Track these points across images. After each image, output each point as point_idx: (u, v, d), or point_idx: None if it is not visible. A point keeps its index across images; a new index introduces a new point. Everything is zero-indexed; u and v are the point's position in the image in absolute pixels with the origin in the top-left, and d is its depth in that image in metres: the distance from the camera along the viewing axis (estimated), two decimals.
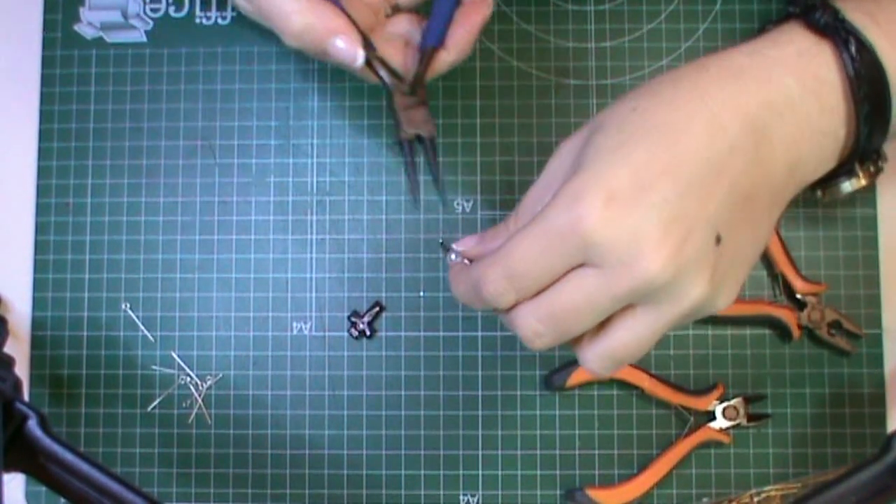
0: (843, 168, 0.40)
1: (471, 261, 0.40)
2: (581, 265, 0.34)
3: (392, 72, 0.44)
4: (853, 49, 0.36)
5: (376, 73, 0.43)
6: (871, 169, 0.41)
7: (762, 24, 0.54)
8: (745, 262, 0.37)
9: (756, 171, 0.35)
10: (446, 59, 0.45)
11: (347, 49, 0.43)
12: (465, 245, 0.41)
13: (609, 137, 0.35)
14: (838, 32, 0.37)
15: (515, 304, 0.36)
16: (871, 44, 0.37)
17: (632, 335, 0.35)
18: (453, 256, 0.41)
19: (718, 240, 0.34)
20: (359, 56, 0.43)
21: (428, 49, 0.43)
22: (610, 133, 0.35)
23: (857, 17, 0.37)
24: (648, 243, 0.33)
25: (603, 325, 0.36)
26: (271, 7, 0.43)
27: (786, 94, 0.36)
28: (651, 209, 0.33)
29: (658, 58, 0.55)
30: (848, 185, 0.42)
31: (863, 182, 0.42)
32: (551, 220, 0.34)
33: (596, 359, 0.36)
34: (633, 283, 0.33)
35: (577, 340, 0.37)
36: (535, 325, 0.35)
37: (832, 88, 0.37)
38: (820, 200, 0.43)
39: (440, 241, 0.42)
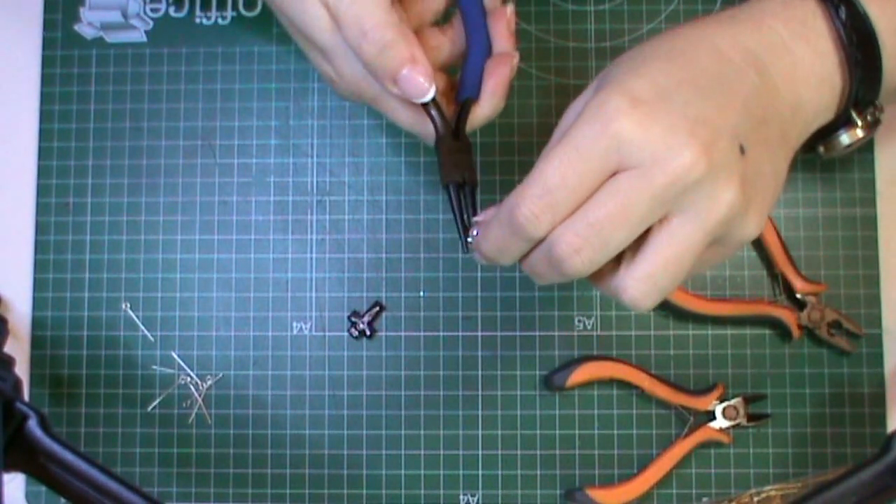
0: (842, 119, 0.42)
1: None
2: (613, 174, 0.34)
3: (443, 115, 0.43)
4: None
5: (430, 115, 0.41)
6: (869, 119, 0.42)
7: None
8: (768, 189, 0.37)
9: (764, 99, 0.37)
10: (481, 113, 0.43)
11: (422, 80, 0.40)
12: (485, 215, 0.39)
13: (621, 66, 0.36)
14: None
15: (550, 229, 0.35)
16: None
17: (671, 250, 0.35)
18: (474, 233, 0.40)
19: (742, 150, 0.35)
20: (431, 90, 0.40)
21: (466, 101, 0.43)
22: (621, 64, 0.37)
23: None
24: (679, 138, 0.33)
25: (639, 246, 0.35)
26: (348, 25, 0.39)
27: (776, 36, 0.38)
28: (675, 109, 0.34)
29: None
30: (846, 138, 0.43)
31: (860, 134, 0.42)
32: (581, 131, 0.34)
33: (637, 283, 0.35)
34: (668, 178, 0.33)
35: (611, 270, 0.36)
36: (573, 239, 0.34)
37: (820, 35, 0.39)
38: (821, 158, 0.44)
39: (458, 229, 0.40)
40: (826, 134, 0.43)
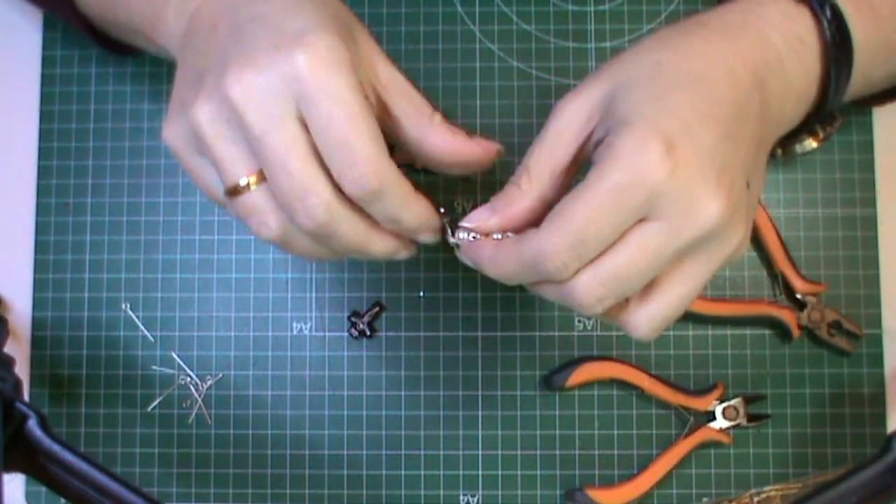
0: (803, 128, 0.42)
1: (486, 236, 0.38)
2: (639, 223, 0.33)
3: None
4: (829, 14, 0.38)
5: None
6: (828, 130, 0.45)
7: None
8: (754, 211, 0.37)
9: (763, 122, 0.37)
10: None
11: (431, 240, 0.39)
12: (477, 219, 0.38)
13: (645, 89, 0.35)
14: None
15: (575, 273, 0.34)
16: (841, 10, 0.38)
17: (682, 289, 0.35)
18: (463, 236, 0.38)
19: (748, 185, 0.35)
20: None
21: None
22: (643, 85, 0.35)
23: None
24: (708, 190, 0.33)
25: (650, 287, 0.35)
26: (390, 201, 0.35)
27: (776, 51, 0.38)
28: (705, 156, 0.33)
29: None
30: (800, 147, 0.47)
31: (814, 145, 0.46)
32: (615, 177, 0.32)
33: (648, 321, 0.36)
34: (697, 231, 0.33)
35: (620, 307, 0.36)
36: (598, 290, 0.34)
37: (811, 50, 0.39)
38: (778, 160, 0.46)
39: (444, 222, 0.38)
40: (785, 139, 0.43)
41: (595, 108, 0.36)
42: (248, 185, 0.35)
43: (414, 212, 0.36)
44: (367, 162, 0.33)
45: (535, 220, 0.36)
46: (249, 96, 0.33)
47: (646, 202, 0.32)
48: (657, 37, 0.38)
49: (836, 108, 0.42)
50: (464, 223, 0.38)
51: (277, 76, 0.33)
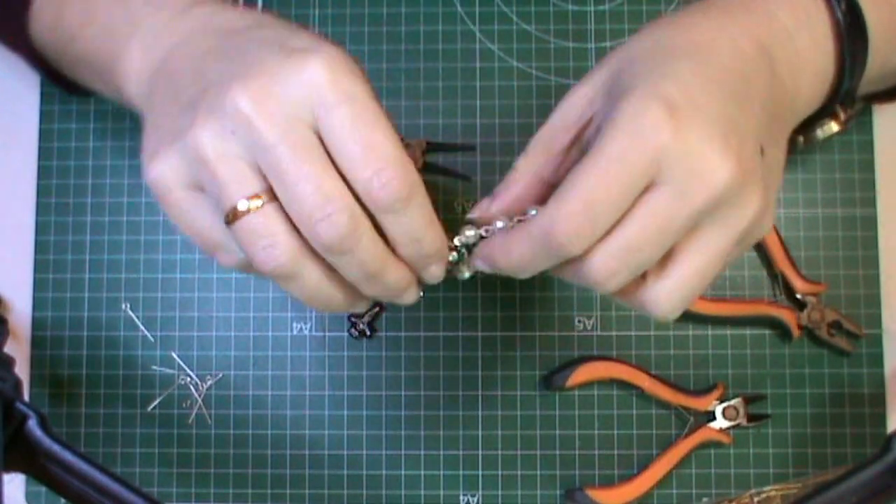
0: (824, 112, 0.42)
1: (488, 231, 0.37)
2: (647, 191, 0.32)
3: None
4: None
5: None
6: (849, 112, 0.45)
7: None
8: (777, 184, 0.37)
9: (775, 94, 0.36)
10: None
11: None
12: (478, 210, 0.37)
13: (644, 63, 0.35)
14: None
15: (587, 248, 0.33)
16: None
17: (700, 259, 0.34)
18: (470, 234, 0.36)
19: (762, 152, 0.34)
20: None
21: None
22: (643, 60, 0.35)
23: None
24: (714, 151, 0.32)
25: (667, 259, 0.34)
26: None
27: (783, 25, 0.38)
28: (708, 117, 0.32)
29: None
30: (821, 132, 0.46)
31: (835, 129, 0.45)
32: (621, 143, 0.32)
33: (668, 296, 0.34)
34: (706, 195, 0.32)
35: (637, 284, 0.35)
36: (610, 263, 0.33)
37: (821, 25, 0.39)
38: (798, 147, 0.46)
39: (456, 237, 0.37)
40: (805, 125, 0.43)
41: (598, 91, 0.36)
42: (255, 205, 0.32)
43: (436, 230, 0.35)
44: (396, 165, 0.32)
45: (537, 201, 0.36)
46: (260, 103, 0.31)
47: (652, 164, 0.32)
48: (659, 20, 0.38)
49: (854, 90, 0.41)
50: (471, 215, 0.37)
51: (291, 82, 0.31)
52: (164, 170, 0.34)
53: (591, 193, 0.32)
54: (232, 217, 0.33)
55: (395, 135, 0.32)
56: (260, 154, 0.32)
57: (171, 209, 0.35)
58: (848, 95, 0.41)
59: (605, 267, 0.33)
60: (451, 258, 0.37)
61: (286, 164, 0.31)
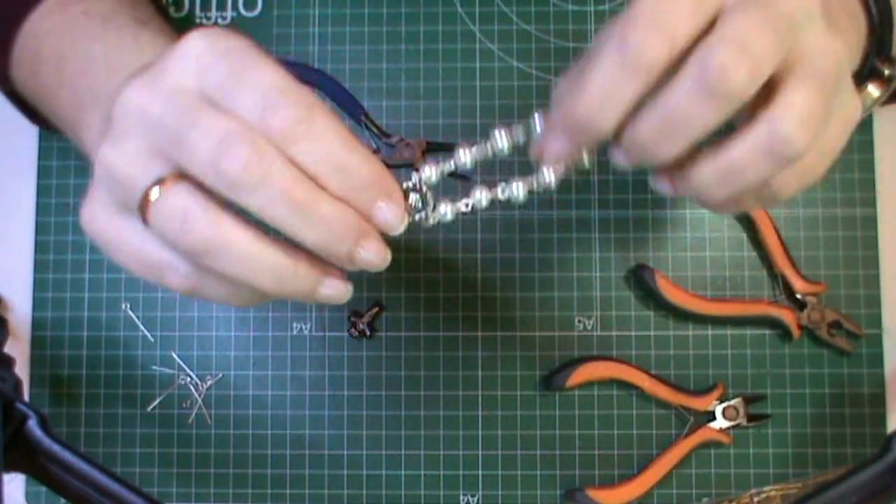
0: (865, 69, 0.42)
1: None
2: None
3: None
4: None
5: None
6: (888, 73, 0.43)
7: None
8: (839, 64, 0.32)
9: None
10: None
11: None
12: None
13: None
14: None
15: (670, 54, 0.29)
16: None
17: (818, 79, 0.30)
18: (429, 171, 0.33)
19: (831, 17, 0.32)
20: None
21: None
22: None
23: None
24: None
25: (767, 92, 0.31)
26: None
27: None
28: None
29: None
30: (865, 99, 0.43)
31: (876, 93, 0.43)
32: None
33: (796, 114, 0.30)
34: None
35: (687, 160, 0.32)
36: (728, 47, 0.29)
37: None
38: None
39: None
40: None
41: None
42: (164, 190, 0.30)
43: (361, 155, 0.31)
44: (284, 91, 0.30)
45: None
46: (146, 89, 0.31)
47: None
48: None
49: (888, 48, 0.41)
50: (536, 115, 0.32)
51: (171, 63, 0.31)
52: (91, 207, 0.33)
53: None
54: (145, 209, 0.31)
55: (285, 72, 0.30)
56: (157, 135, 0.30)
57: (109, 244, 0.33)
58: (884, 51, 0.41)
59: (724, 50, 0.29)
60: (411, 202, 0.33)
61: (175, 123, 0.30)
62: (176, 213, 0.30)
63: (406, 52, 0.55)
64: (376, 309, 0.54)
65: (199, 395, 0.54)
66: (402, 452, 0.53)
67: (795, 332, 0.52)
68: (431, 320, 0.54)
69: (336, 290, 0.34)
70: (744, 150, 0.31)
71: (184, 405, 0.54)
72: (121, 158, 0.31)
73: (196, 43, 0.31)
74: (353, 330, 0.54)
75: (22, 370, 0.53)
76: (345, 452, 0.54)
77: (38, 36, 0.44)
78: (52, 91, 0.43)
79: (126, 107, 0.31)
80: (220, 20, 0.56)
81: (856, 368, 0.53)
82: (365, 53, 0.56)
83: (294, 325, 0.54)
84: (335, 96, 0.55)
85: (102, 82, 0.40)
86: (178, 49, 0.31)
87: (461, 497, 0.53)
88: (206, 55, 0.31)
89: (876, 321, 0.53)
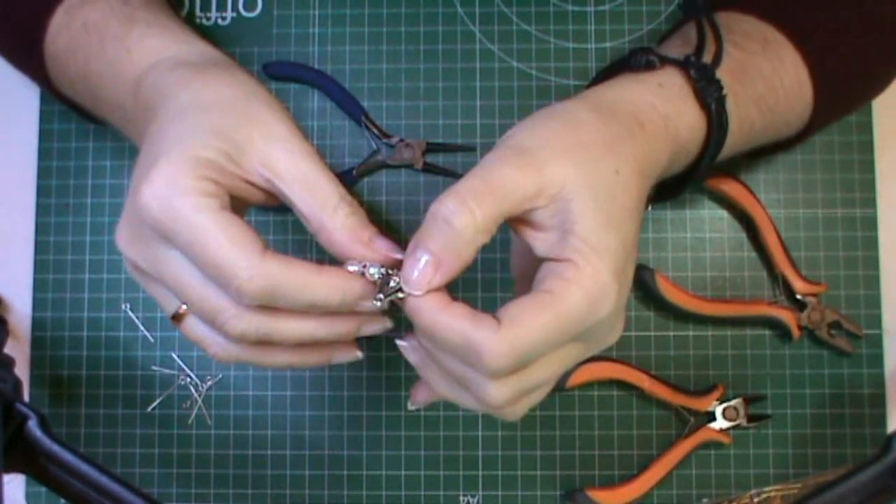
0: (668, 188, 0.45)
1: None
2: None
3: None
4: (713, 106, 0.41)
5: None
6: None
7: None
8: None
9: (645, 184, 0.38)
10: None
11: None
12: (420, 282, 0.34)
13: (586, 198, 0.34)
14: (709, 95, 0.41)
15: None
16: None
17: (558, 367, 0.36)
18: (373, 270, 0.35)
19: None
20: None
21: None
22: (585, 195, 0.34)
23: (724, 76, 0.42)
24: (620, 313, 0.36)
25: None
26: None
27: (660, 129, 0.39)
28: (625, 276, 0.35)
29: None
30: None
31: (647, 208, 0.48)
32: (579, 310, 0.33)
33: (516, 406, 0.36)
34: (600, 347, 0.37)
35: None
36: (521, 406, 0.36)
37: (692, 111, 0.41)
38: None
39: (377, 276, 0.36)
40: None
41: (546, 187, 0.34)
42: (184, 309, 0.37)
43: (324, 286, 0.34)
44: (241, 270, 0.32)
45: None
46: (126, 244, 0.36)
47: (585, 329, 0.34)
48: (581, 138, 0.36)
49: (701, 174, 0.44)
50: (408, 288, 0.34)
51: (139, 219, 0.34)
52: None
53: (525, 344, 0.33)
54: (177, 322, 0.37)
55: (236, 236, 0.33)
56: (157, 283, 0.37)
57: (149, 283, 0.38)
58: (701, 173, 0.44)
59: (512, 411, 0.36)
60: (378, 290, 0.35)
61: (172, 287, 0.35)
62: (194, 338, 0.37)
63: (406, 52, 0.55)
64: None
65: (199, 396, 0.54)
66: (402, 453, 0.53)
67: (795, 333, 0.52)
68: None
69: (348, 357, 0.39)
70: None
71: (184, 406, 0.54)
72: (149, 287, 0.38)
73: (145, 209, 0.33)
74: None
75: (22, 371, 0.53)
76: (345, 453, 0.54)
77: (58, 57, 0.46)
78: (91, 103, 0.47)
79: (118, 242, 0.37)
80: (220, 20, 0.56)
81: (856, 369, 0.53)
82: (365, 54, 0.56)
83: None
84: (335, 97, 0.55)
85: (118, 95, 0.43)
86: (137, 188, 0.34)
87: (461, 497, 0.53)
88: (159, 219, 0.33)
89: (876, 322, 0.53)
